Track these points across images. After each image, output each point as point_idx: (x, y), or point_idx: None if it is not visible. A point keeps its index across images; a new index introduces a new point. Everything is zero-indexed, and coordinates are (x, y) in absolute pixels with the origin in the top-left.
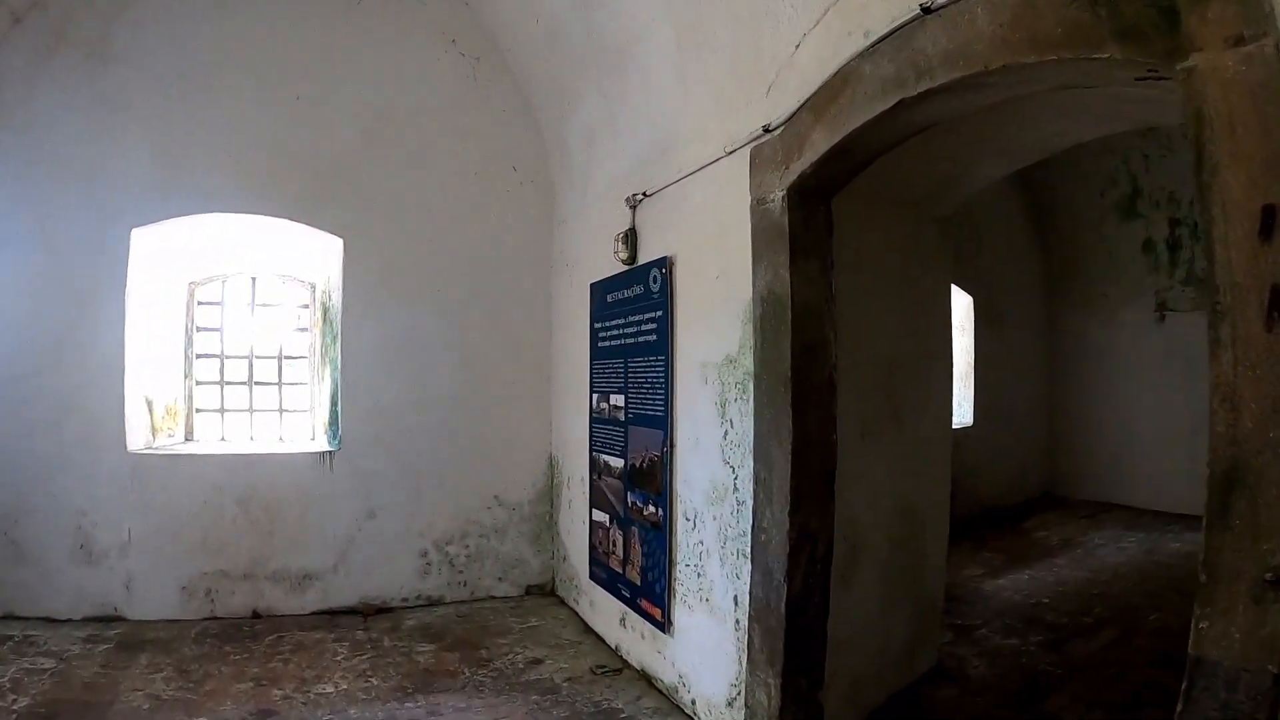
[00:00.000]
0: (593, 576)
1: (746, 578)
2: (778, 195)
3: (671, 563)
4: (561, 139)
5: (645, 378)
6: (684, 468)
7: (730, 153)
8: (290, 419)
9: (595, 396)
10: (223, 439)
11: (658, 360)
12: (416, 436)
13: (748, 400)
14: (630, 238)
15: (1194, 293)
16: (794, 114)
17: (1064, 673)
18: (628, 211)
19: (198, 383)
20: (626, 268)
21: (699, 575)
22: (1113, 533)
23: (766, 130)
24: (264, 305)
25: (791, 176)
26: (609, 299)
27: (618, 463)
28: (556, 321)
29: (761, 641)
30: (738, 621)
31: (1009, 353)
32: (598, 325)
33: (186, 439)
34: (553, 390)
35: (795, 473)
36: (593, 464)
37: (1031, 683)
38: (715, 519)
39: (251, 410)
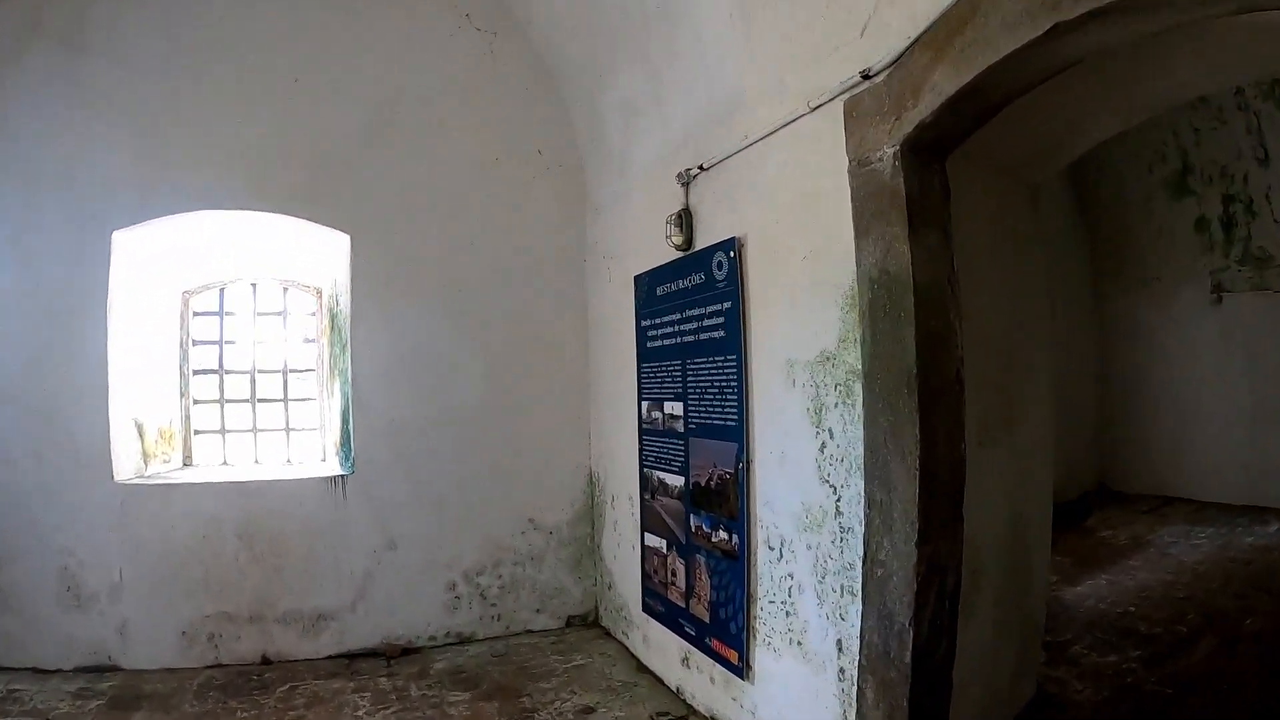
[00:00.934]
0: (646, 609)
1: (854, 619)
2: (887, 153)
3: (750, 598)
4: (594, 117)
5: (711, 381)
6: (765, 487)
7: (816, 108)
8: (298, 439)
9: (645, 405)
10: (224, 462)
11: (728, 360)
12: (438, 455)
13: (853, 405)
14: (684, 220)
15: (1252, 272)
16: (903, 54)
17: (1174, 692)
18: (679, 190)
19: (195, 401)
20: (680, 254)
21: (788, 614)
22: (1180, 529)
23: (865, 77)
24: (266, 314)
25: (906, 129)
26: (659, 292)
27: (676, 481)
28: (594, 321)
29: (877, 697)
30: (842, 671)
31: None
32: (646, 323)
33: (185, 464)
34: (591, 398)
35: (923, 493)
36: (644, 481)
37: (1142, 706)
38: (810, 549)
39: (255, 430)
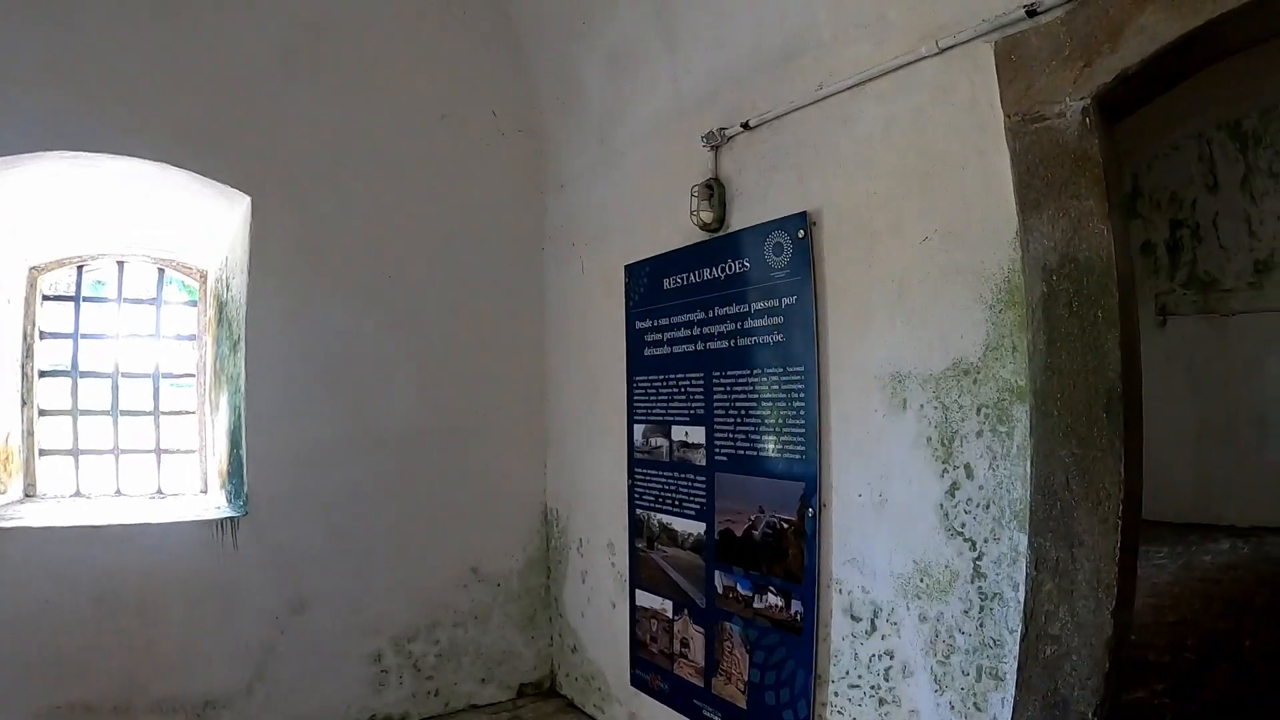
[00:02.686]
0: (639, 683)
1: (998, 710)
2: (1073, 106)
3: (819, 682)
4: (566, 73)
5: (758, 400)
6: (850, 540)
7: (946, 49)
8: (173, 463)
9: (641, 429)
10: (78, 493)
11: (790, 375)
12: (361, 490)
13: (1009, 434)
14: (715, 191)
15: (1196, 295)
16: None
17: None
18: (705, 155)
19: (41, 412)
20: (707, 236)
21: (882, 703)
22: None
23: (1031, 12)
24: (136, 301)
25: (1102, 78)
26: (666, 285)
27: (690, 528)
28: (554, 322)
29: None
30: None
31: None
32: (642, 325)
33: (27, 495)
34: (549, 419)
35: (1124, 549)
36: (636, 526)
37: None
38: (925, 621)
39: (117, 452)
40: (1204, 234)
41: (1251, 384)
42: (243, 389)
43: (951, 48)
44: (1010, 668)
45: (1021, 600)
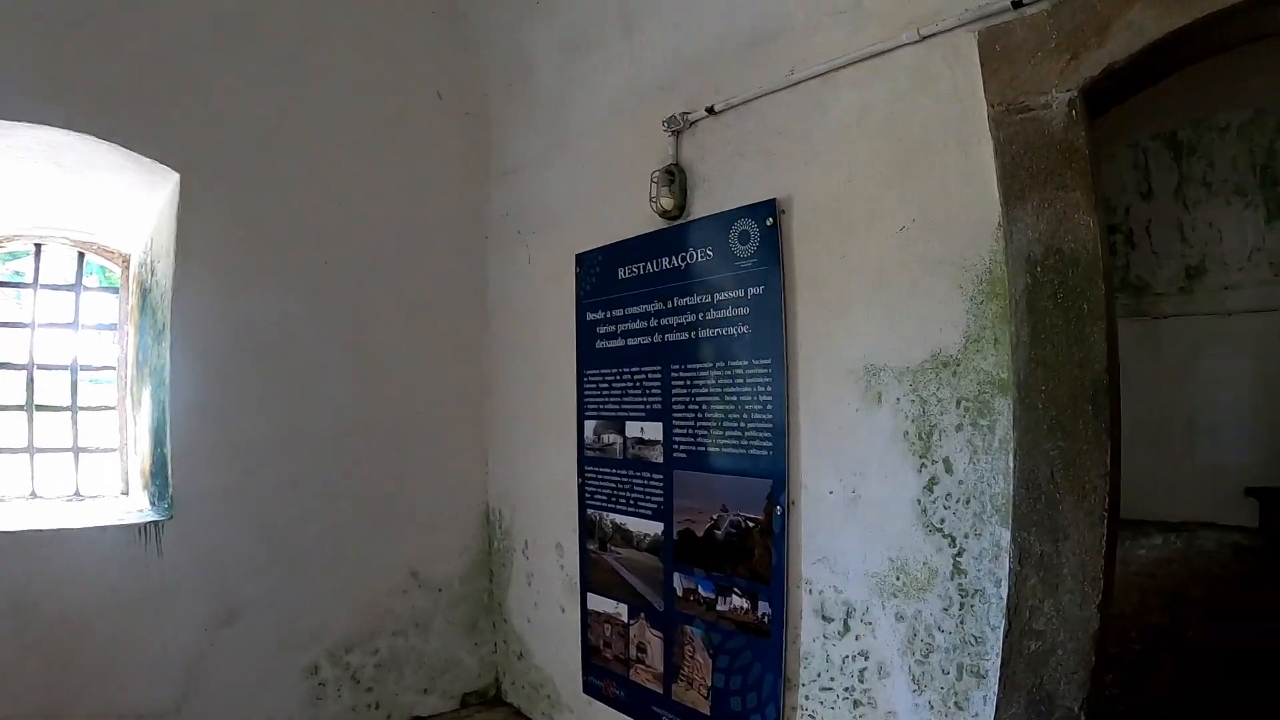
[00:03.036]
0: (591, 690)
1: (980, 708)
2: (1058, 98)
3: (789, 685)
4: (515, 52)
5: (723, 394)
6: (821, 539)
7: (927, 36)
8: (93, 463)
9: (592, 425)
10: None
11: (755, 367)
12: (296, 490)
13: (990, 428)
14: (676, 178)
15: (1129, 299)
16: None
17: (1173, 712)
18: (665, 140)
19: None
20: (667, 224)
21: (856, 705)
22: None
23: (1017, 3)
24: (54, 287)
25: (1088, 71)
26: (621, 274)
27: (647, 528)
28: (498, 313)
29: None
30: None
31: None
32: (594, 316)
33: None
34: (491, 415)
35: (1109, 542)
36: (587, 526)
37: None
38: (903, 620)
39: (31, 450)
40: (1137, 240)
41: (1182, 387)
42: (167, 382)
43: (933, 36)
44: (992, 665)
45: (1004, 596)
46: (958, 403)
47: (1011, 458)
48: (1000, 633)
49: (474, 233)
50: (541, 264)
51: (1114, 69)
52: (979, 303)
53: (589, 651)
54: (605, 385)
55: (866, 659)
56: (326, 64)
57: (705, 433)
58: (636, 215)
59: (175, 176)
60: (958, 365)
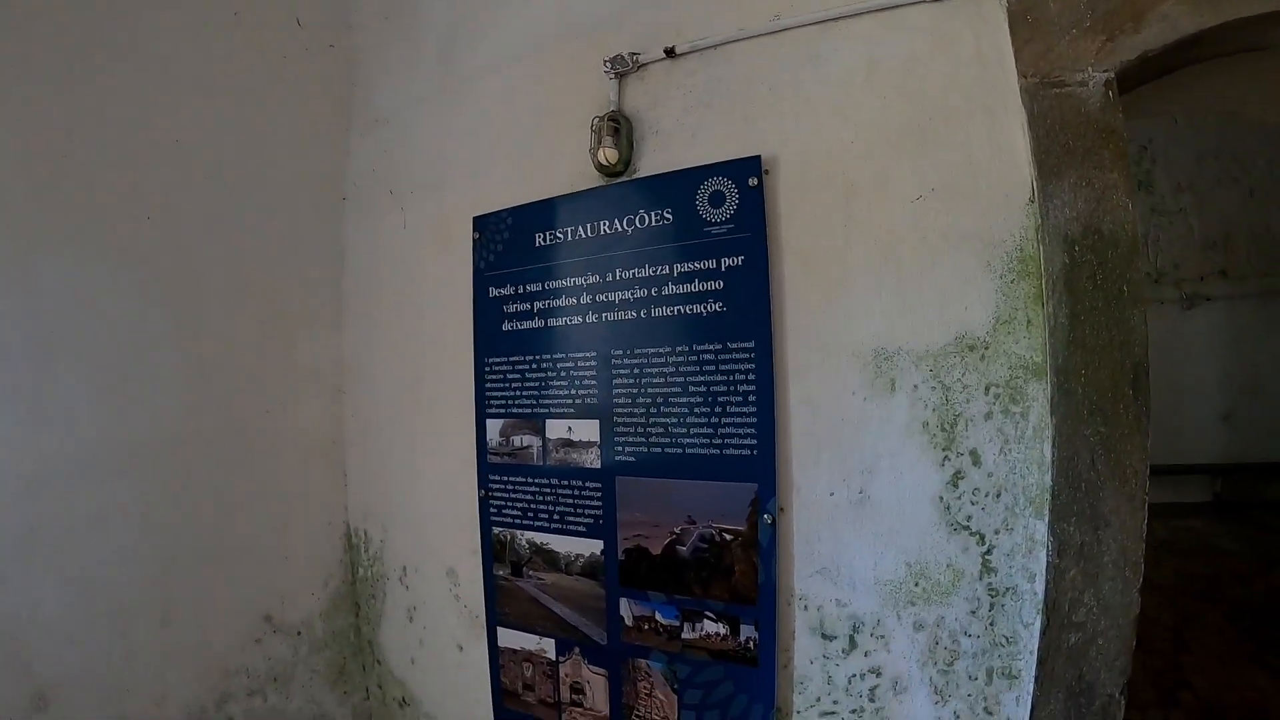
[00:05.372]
0: None
1: (1014, 710)
2: (1095, 77)
3: (780, 716)
4: None
5: (687, 384)
6: (818, 546)
7: None
8: None
9: (498, 424)
10: None
11: (735, 351)
12: (112, 524)
13: (1023, 416)
14: (622, 128)
15: None
16: None
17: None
18: (606, 84)
19: None
20: (606, 181)
21: None
22: None
23: None
24: None
25: (1125, 55)
26: (540, 240)
27: (580, 547)
28: (359, 293)
29: None
30: None
31: None
32: (501, 291)
33: None
34: (349, 416)
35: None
36: (494, 549)
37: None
38: (922, 629)
39: None
40: None
41: None
42: None
43: None
44: (1026, 664)
45: (1039, 592)
46: (986, 389)
47: (1048, 446)
48: (1034, 630)
49: (330, 193)
50: (422, 230)
51: (1148, 56)
52: (1010, 282)
53: (502, 696)
54: (516, 376)
55: (879, 675)
56: None
57: (661, 431)
58: (562, 171)
59: None
60: (986, 348)
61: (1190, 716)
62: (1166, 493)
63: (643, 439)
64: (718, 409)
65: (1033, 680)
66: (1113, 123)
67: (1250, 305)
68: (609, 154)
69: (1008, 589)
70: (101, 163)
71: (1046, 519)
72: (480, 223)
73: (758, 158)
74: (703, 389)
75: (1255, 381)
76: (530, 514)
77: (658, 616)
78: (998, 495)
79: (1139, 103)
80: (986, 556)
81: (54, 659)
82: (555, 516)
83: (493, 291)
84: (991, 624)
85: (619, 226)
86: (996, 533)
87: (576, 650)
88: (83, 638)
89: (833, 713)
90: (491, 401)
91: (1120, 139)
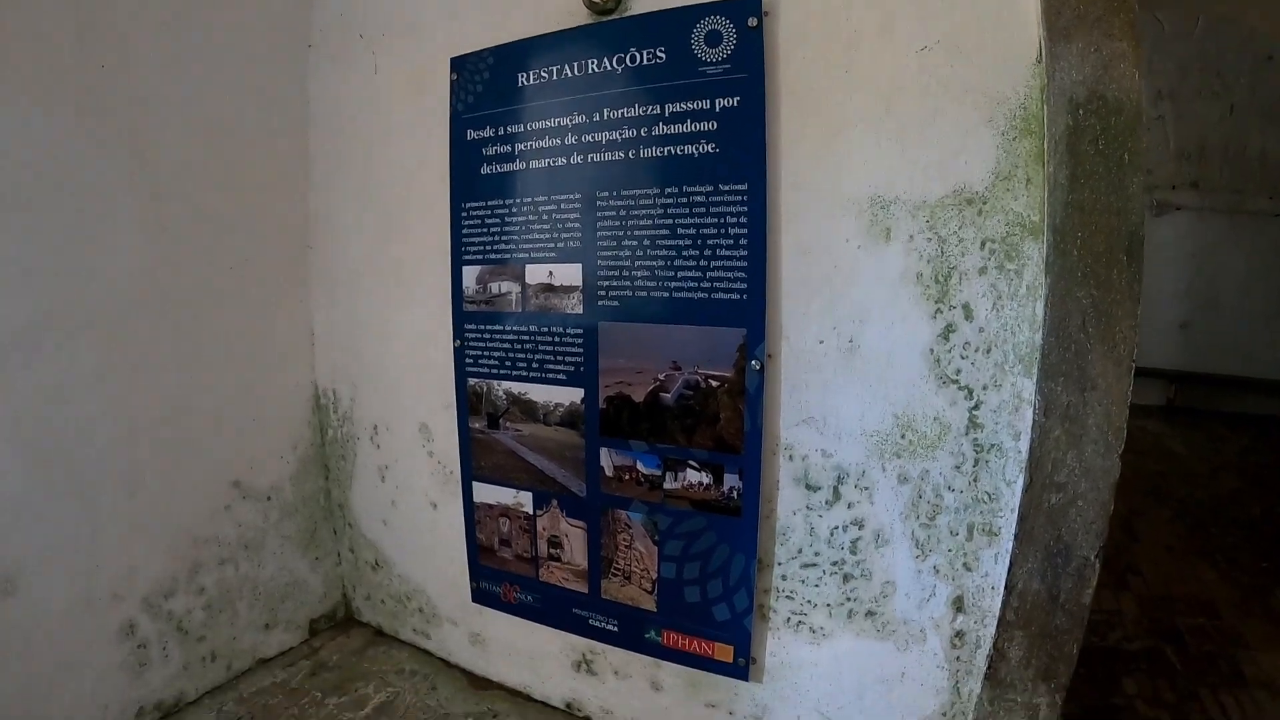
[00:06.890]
0: (484, 598)
1: (991, 567)
2: None
3: (761, 567)
4: None
5: (675, 226)
6: (805, 394)
7: None
8: None
9: (474, 272)
10: None
11: (727, 194)
12: (73, 394)
13: (1017, 273)
14: None
15: None
16: None
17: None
18: None
19: None
20: (596, 19)
21: (847, 579)
22: None
23: None
24: None
25: None
26: (524, 81)
27: (560, 396)
28: (326, 142)
29: (1029, 653)
30: (959, 636)
31: None
32: (480, 134)
33: None
34: (317, 271)
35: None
36: (472, 401)
37: None
38: (906, 482)
39: None
40: None
41: None
42: None
43: None
44: (1006, 521)
45: (1023, 450)
46: (982, 244)
47: (1040, 305)
48: (1016, 488)
49: (296, 37)
50: (395, 74)
51: None
52: (1011, 139)
53: (478, 552)
54: (495, 221)
55: (861, 528)
56: None
57: (647, 274)
58: (545, 8)
59: None
60: (984, 203)
61: (1140, 600)
62: None
63: (628, 283)
64: (707, 252)
65: (1012, 538)
66: None
67: (1218, 220)
68: None
69: (993, 445)
70: (52, 9)
71: (1035, 378)
72: (458, 64)
73: None
74: (692, 231)
75: (1214, 295)
76: (508, 363)
77: (639, 466)
78: (988, 351)
79: None
80: (974, 412)
81: (18, 540)
82: (534, 365)
83: (471, 134)
84: (975, 480)
85: (608, 65)
86: (985, 388)
87: (555, 503)
88: (46, 514)
89: (814, 564)
90: (469, 248)
91: (1131, 10)
